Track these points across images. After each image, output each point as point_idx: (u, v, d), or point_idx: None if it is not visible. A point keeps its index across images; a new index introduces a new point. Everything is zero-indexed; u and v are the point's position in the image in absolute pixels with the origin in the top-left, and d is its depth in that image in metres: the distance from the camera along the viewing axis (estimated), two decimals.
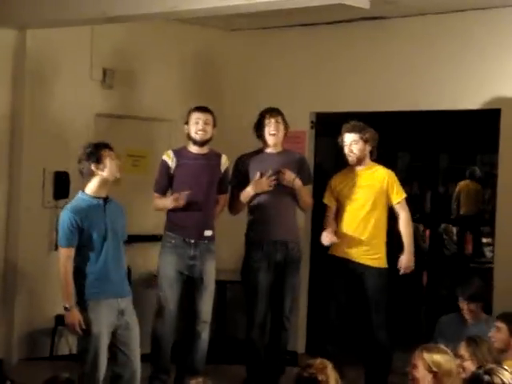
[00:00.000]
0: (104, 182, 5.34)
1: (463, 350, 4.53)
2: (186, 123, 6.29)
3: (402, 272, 6.26)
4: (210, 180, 6.27)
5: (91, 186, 5.36)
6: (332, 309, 6.23)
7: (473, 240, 12.81)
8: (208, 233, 6.21)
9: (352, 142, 6.21)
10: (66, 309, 5.22)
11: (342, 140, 6.26)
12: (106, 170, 5.32)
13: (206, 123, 6.24)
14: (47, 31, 7.00)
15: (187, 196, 6.08)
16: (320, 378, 3.72)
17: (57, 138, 7.20)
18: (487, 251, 12.11)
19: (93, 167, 5.32)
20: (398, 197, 6.26)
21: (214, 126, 6.31)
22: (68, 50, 7.24)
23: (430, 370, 4.04)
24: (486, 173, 12.58)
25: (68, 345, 7.20)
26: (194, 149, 6.29)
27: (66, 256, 5.25)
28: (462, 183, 12.78)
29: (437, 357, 4.07)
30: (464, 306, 6.04)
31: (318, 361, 3.83)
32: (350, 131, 6.23)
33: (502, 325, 5.20)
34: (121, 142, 7.07)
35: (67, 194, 7.04)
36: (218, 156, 6.36)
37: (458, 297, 6.09)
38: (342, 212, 6.27)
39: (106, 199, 5.36)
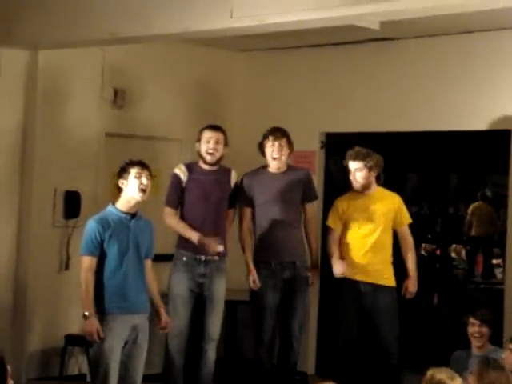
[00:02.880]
0: (129, 199, 5.40)
1: (478, 369, 4.30)
2: (198, 141, 6.31)
3: (407, 297, 6.28)
4: (220, 196, 6.29)
5: (120, 201, 5.44)
6: (344, 331, 6.23)
7: (483, 261, 12.76)
8: (219, 248, 6.21)
9: (356, 170, 6.19)
10: (84, 316, 5.23)
11: (347, 166, 6.26)
12: (127, 188, 5.40)
13: (217, 142, 6.26)
14: (59, 51, 7.05)
15: (218, 243, 6.10)
16: None
17: (68, 157, 7.24)
18: (497, 272, 12.07)
19: (119, 183, 5.44)
20: (405, 221, 6.30)
21: (226, 144, 6.33)
22: (79, 70, 7.29)
23: None
24: (496, 194, 12.55)
25: (78, 364, 7.19)
26: (204, 165, 6.32)
27: (86, 265, 5.29)
28: (475, 205, 12.75)
29: (437, 376, 3.98)
30: (475, 328, 5.60)
31: None
32: (353, 159, 6.20)
33: None
34: None
35: (78, 214, 7.07)
36: (228, 171, 6.39)
37: (469, 319, 5.64)
38: (348, 236, 6.27)
39: (133, 215, 5.42)
